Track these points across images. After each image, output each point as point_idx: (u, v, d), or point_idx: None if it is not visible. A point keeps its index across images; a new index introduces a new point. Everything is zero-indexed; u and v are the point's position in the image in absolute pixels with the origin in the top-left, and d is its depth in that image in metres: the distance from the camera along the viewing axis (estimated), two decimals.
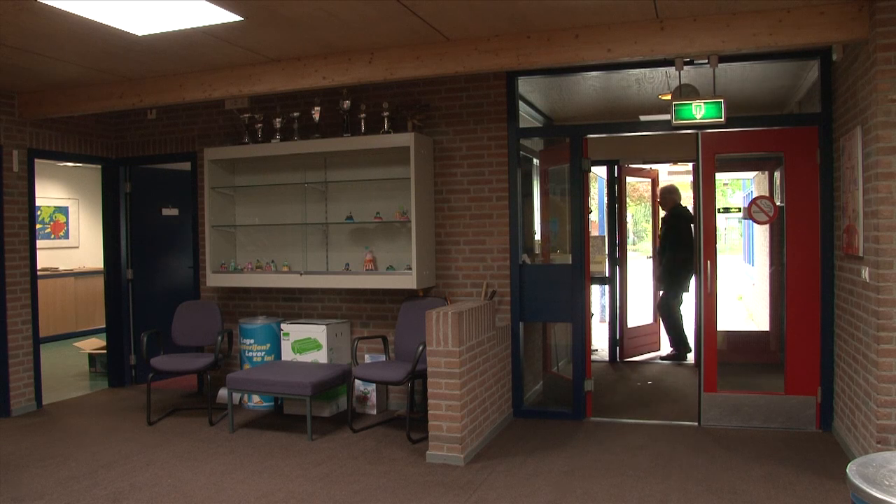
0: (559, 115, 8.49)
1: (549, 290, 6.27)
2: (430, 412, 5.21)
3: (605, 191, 9.41)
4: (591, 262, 6.49)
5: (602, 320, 10.68)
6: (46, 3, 4.37)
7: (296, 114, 6.68)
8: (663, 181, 10.76)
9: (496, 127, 6.32)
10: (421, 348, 5.50)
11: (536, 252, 7.08)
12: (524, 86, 6.54)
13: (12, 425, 6.51)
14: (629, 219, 10.75)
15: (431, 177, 6.44)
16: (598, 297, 11.63)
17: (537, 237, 7.21)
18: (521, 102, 6.49)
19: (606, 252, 8.82)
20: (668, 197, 8.93)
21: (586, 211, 6.32)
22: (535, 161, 7.30)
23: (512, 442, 5.62)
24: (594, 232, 11.27)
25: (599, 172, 10.50)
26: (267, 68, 5.96)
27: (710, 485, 4.61)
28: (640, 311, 10.52)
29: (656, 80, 6.66)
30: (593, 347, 7.73)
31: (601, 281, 8.84)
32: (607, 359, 8.87)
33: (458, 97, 6.43)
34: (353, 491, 4.65)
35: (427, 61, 5.51)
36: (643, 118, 7.22)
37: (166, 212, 8.25)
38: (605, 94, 7.36)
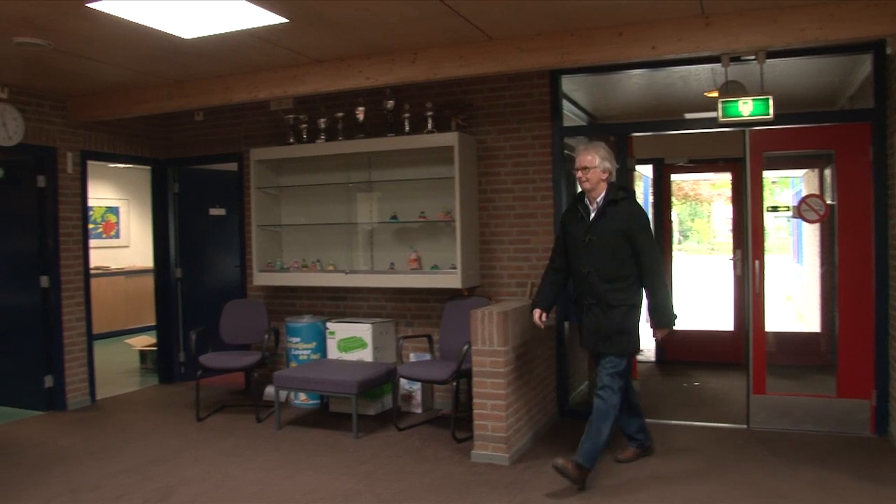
0: (603, 114, 8.43)
1: None
2: (475, 411, 5.21)
3: (651, 189, 9.31)
4: None
5: (647, 321, 10.56)
6: (98, 8, 4.47)
7: (340, 114, 6.73)
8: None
9: (540, 126, 6.30)
10: (466, 348, 5.50)
11: None
12: (567, 84, 6.50)
13: (68, 419, 6.68)
14: (674, 217, 10.63)
15: (475, 176, 6.44)
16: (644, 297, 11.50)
17: None
18: (564, 101, 6.46)
19: None
20: None
21: None
22: None
23: (557, 442, 5.59)
24: None
25: (645, 171, 10.39)
26: (311, 69, 6.01)
27: (758, 489, 4.53)
28: (696, 313, 10.38)
29: (702, 77, 6.58)
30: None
31: None
32: (654, 360, 8.79)
33: (501, 96, 6.42)
34: (398, 489, 4.68)
35: (470, 60, 5.51)
36: (688, 116, 7.13)
37: (213, 212, 8.36)
38: (650, 91, 7.29)
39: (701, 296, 15.03)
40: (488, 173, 6.47)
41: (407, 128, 6.47)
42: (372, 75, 5.80)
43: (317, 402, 6.82)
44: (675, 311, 4.82)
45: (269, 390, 6.86)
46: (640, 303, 4.85)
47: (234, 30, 4.99)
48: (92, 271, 7.52)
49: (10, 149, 6.60)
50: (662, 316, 4.77)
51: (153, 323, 8.53)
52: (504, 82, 6.36)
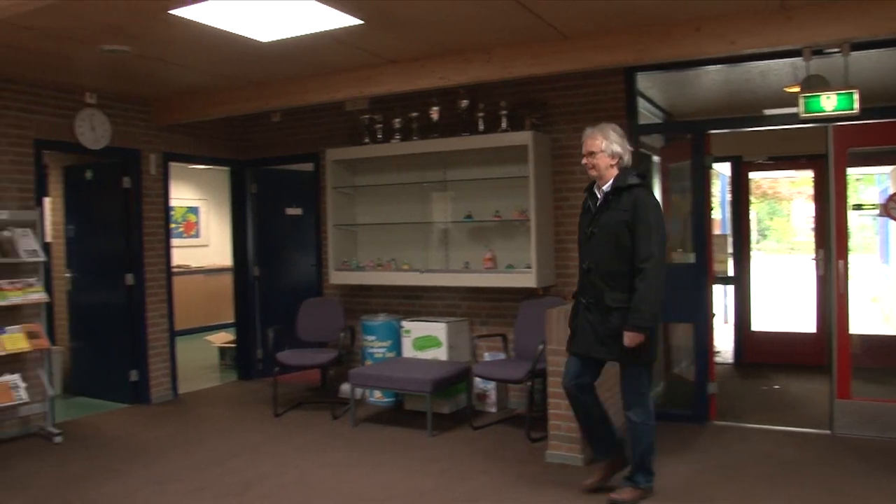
0: (679, 111, 8.27)
1: (670, 289, 6.10)
2: (549, 411, 5.19)
3: (729, 187, 9.11)
4: (714, 262, 6.30)
5: (725, 321, 10.35)
6: (179, 15, 4.60)
7: (414, 114, 6.78)
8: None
9: (614, 124, 6.21)
10: (541, 347, 5.48)
11: None
12: (643, 81, 6.41)
13: (152, 412, 6.91)
14: (753, 216, 10.38)
15: (550, 175, 6.41)
16: (722, 297, 11.26)
17: None
18: (639, 98, 6.37)
19: (730, 251, 8.55)
20: None
21: (708, 208, 6.15)
22: (655, 158, 7.15)
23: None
24: (716, 230, 10.94)
25: (722, 169, 10.17)
26: (386, 70, 6.07)
27: (841, 497, 4.38)
28: (775, 314, 10.11)
29: (782, 72, 6.39)
30: (716, 349, 7.49)
31: (724, 281, 8.56)
32: (731, 361, 8.60)
33: (575, 94, 6.37)
34: (472, 488, 4.69)
35: (544, 59, 5.49)
36: (767, 112, 6.94)
37: (290, 211, 8.51)
38: (727, 87, 7.13)
39: (781, 296, 14.63)
40: (563, 172, 6.42)
41: (481, 127, 6.47)
42: (446, 75, 5.83)
43: (391, 400, 6.88)
44: (655, 316, 4.16)
45: (345, 388, 6.96)
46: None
47: (310, 32, 5.07)
48: (173, 269, 7.76)
49: (97, 152, 6.86)
50: (635, 315, 4.12)
51: (232, 320, 8.73)
52: (577, 80, 6.30)
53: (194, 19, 4.70)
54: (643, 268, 4.12)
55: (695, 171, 6.10)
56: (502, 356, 6.52)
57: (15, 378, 5.82)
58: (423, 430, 5.95)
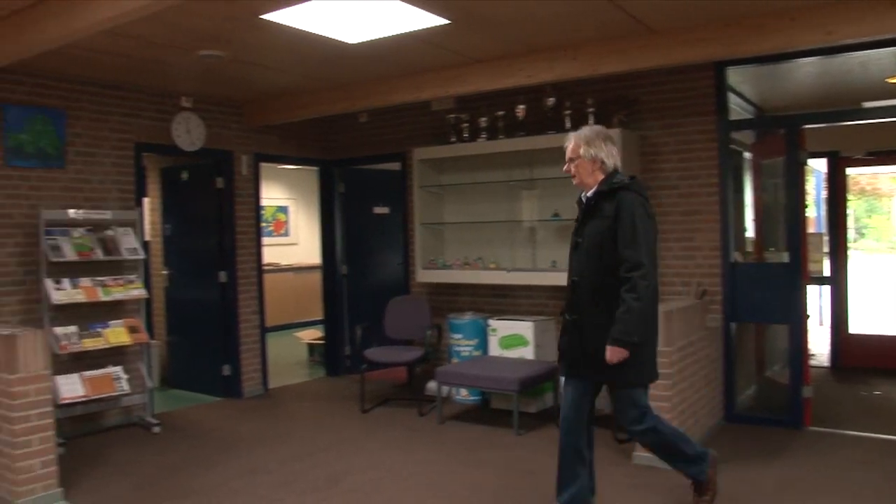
0: (770, 105, 8.03)
1: (763, 289, 5.96)
2: None
3: (825, 184, 8.79)
4: (809, 261, 6.10)
5: (821, 323, 10.00)
6: (271, 19, 4.72)
7: (500, 112, 6.78)
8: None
9: (704, 120, 6.09)
10: None
11: (748, 249, 6.76)
12: (733, 76, 6.24)
13: (244, 405, 7.11)
14: (850, 214, 10.00)
15: (638, 173, 6.30)
16: (817, 298, 10.89)
17: (749, 234, 6.88)
18: (729, 93, 6.21)
19: (826, 250, 8.25)
20: None
21: (803, 206, 5.95)
22: (747, 154, 6.97)
23: (722, 448, 5.37)
24: (811, 228, 10.58)
25: (817, 165, 9.83)
26: (472, 69, 6.09)
27: None
28: (875, 316, 9.71)
29: (883, 62, 6.13)
30: (811, 352, 7.24)
31: (820, 281, 8.27)
32: (828, 364, 8.30)
33: (663, 90, 6.26)
34: None
35: (631, 54, 5.41)
36: (867, 104, 6.68)
37: (377, 210, 8.63)
38: (823, 79, 6.88)
39: (880, 297, 14.04)
40: (652, 169, 6.32)
41: (568, 125, 6.41)
42: (532, 73, 5.81)
43: (478, 399, 6.89)
44: (639, 331, 3.73)
45: (431, 385, 7.01)
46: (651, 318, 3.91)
47: (397, 33, 5.13)
48: (264, 267, 7.96)
49: (192, 153, 7.11)
50: (618, 327, 3.72)
51: (321, 317, 8.90)
52: (665, 76, 6.18)
53: (284, 23, 4.82)
54: (630, 277, 3.71)
55: (789, 167, 5.91)
56: None
57: (117, 370, 6.08)
58: (510, 429, 5.94)
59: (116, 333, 6.08)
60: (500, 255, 7.14)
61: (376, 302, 7.58)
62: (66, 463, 5.06)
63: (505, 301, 7.22)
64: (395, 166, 8.03)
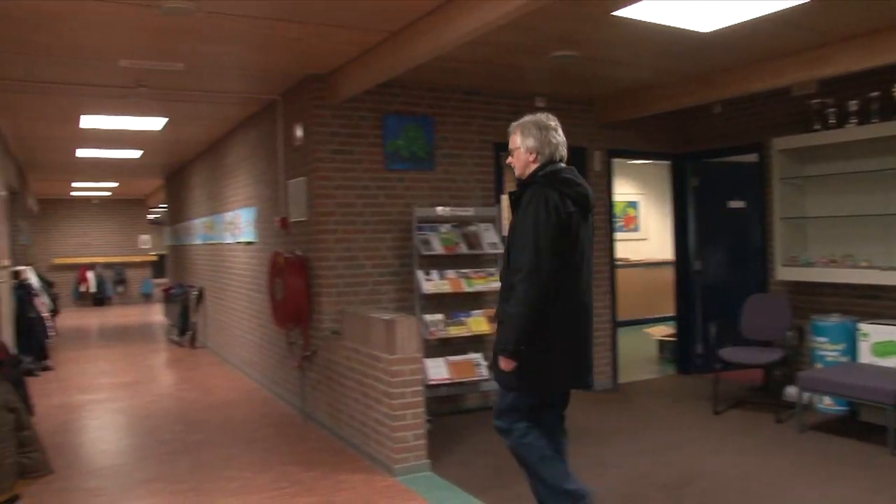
0: None
1: None
2: None
3: None
4: None
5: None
6: (622, 15, 4.75)
7: (873, 94, 6.12)
8: None
9: None
10: None
11: None
12: None
13: (594, 399, 7.23)
14: None
15: None
16: None
17: None
18: None
19: None
20: None
21: None
22: None
23: None
24: None
25: None
26: (837, 48, 5.57)
27: None
28: None
29: None
30: None
31: None
32: None
33: None
34: None
35: None
36: None
37: (732, 204, 8.27)
38: None
39: None
40: None
41: None
42: None
43: (844, 409, 6.30)
44: (517, 341, 3.45)
45: (791, 391, 6.55)
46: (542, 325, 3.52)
47: (752, 17, 4.87)
48: (615, 262, 8.02)
49: None
50: (500, 337, 3.57)
51: (671, 313, 8.76)
52: None
53: (636, 18, 4.81)
54: (513, 283, 3.48)
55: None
56: None
57: (477, 357, 6.54)
58: (882, 447, 5.35)
59: (477, 322, 6.54)
60: (872, 252, 6.44)
61: (730, 299, 7.29)
62: (432, 438, 5.56)
63: (877, 303, 6.49)
64: (751, 158, 7.63)
